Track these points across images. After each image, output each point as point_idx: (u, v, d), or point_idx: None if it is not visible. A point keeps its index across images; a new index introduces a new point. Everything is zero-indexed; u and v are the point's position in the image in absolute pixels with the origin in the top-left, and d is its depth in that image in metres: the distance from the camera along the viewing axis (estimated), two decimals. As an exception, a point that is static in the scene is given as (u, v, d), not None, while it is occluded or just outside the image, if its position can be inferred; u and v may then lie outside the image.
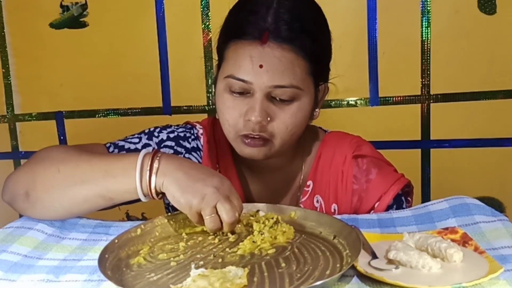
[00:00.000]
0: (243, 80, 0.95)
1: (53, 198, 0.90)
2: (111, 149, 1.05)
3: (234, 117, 0.98)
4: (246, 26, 0.95)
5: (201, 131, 1.13)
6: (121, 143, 1.07)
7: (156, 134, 1.10)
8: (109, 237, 0.85)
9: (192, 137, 1.12)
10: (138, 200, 0.89)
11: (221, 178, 0.85)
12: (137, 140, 1.08)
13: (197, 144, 1.11)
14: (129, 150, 1.05)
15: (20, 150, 2.01)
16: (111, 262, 0.76)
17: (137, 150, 1.05)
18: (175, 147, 1.09)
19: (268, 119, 0.96)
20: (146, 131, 1.11)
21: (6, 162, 2.02)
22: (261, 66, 0.94)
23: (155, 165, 0.85)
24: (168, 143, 1.09)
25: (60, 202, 0.90)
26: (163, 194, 0.86)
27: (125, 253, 0.80)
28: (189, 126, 1.14)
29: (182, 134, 1.11)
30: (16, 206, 0.94)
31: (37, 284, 0.73)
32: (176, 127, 1.13)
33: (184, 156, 1.10)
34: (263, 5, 0.96)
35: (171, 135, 1.10)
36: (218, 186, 0.83)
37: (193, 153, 1.10)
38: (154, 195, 0.86)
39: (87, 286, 0.72)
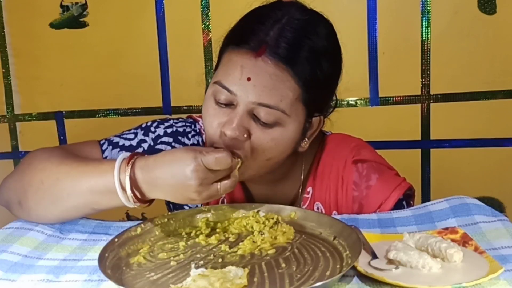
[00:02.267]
0: (228, 90, 0.90)
1: (43, 209, 0.90)
2: (105, 147, 1.02)
3: (213, 126, 0.92)
4: (246, 34, 0.92)
5: (203, 126, 1.08)
6: (116, 139, 1.04)
7: (152, 129, 1.05)
8: (109, 237, 0.85)
9: (193, 132, 1.07)
10: None
11: (185, 152, 0.83)
12: (132, 136, 1.05)
13: (198, 141, 1.07)
14: (123, 147, 1.03)
15: (20, 150, 2.01)
16: (111, 261, 0.76)
17: (131, 147, 1.03)
18: (173, 144, 1.05)
19: (245, 135, 0.90)
20: (143, 125, 1.07)
21: (6, 162, 2.02)
22: (249, 79, 0.89)
23: (133, 176, 0.83)
24: (165, 139, 1.05)
25: (51, 212, 0.90)
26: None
27: (125, 252, 0.80)
28: (190, 120, 1.10)
29: (181, 130, 1.07)
30: (13, 213, 0.94)
31: (37, 284, 0.73)
32: (175, 121, 1.08)
33: None
34: (270, 18, 0.92)
35: (169, 130, 1.06)
36: (190, 163, 0.81)
37: None
38: (140, 203, 0.85)
39: (87, 286, 0.72)
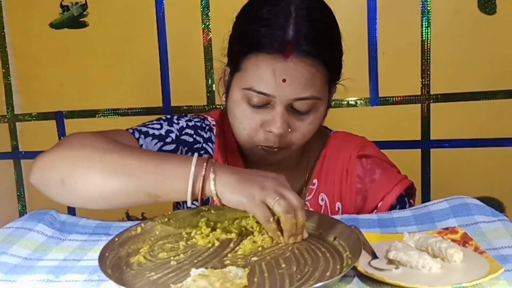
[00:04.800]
0: (264, 94, 0.95)
1: (93, 189, 0.85)
2: (136, 135, 1.02)
3: (253, 127, 0.98)
4: (267, 38, 0.94)
5: (213, 122, 1.13)
6: (144, 128, 1.04)
7: (175, 121, 1.08)
8: (109, 237, 0.85)
9: (207, 127, 1.11)
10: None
11: (277, 174, 0.84)
12: (158, 126, 1.06)
13: (210, 136, 1.11)
14: (154, 136, 1.03)
15: (20, 150, 2.01)
16: (111, 261, 0.76)
17: (161, 136, 1.04)
18: (194, 136, 1.08)
19: (289, 130, 0.98)
20: (164, 118, 1.09)
21: (6, 162, 2.02)
22: (284, 80, 0.94)
23: (211, 174, 0.82)
24: (188, 131, 1.08)
25: (100, 193, 0.85)
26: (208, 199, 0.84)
27: (125, 251, 0.80)
28: (202, 117, 1.14)
29: (199, 124, 1.11)
30: (48, 192, 0.89)
31: (37, 284, 0.73)
32: (191, 116, 1.12)
33: (202, 145, 1.09)
34: (280, 15, 0.95)
35: (190, 124, 1.09)
36: (276, 176, 0.82)
37: (209, 143, 1.10)
38: (200, 200, 0.83)
39: (87, 286, 0.72)
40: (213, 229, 0.88)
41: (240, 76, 0.98)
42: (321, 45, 0.95)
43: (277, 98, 0.95)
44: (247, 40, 0.98)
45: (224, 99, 1.06)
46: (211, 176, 0.82)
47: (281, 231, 0.80)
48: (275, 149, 0.99)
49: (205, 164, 0.83)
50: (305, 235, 0.82)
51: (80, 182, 0.85)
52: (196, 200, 0.84)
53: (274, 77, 0.94)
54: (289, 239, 0.81)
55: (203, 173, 0.82)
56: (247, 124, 0.99)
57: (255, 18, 0.98)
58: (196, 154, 0.86)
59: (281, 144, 0.99)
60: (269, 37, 0.94)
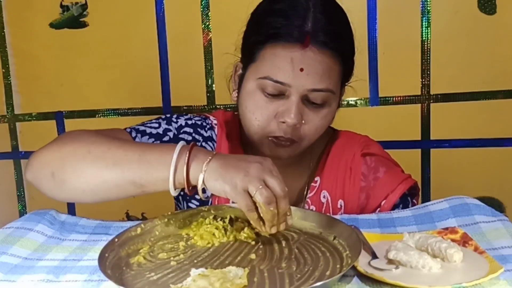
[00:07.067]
0: (281, 83, 0.95)
1: (81, 180, 0.86)
2: (133, 134, 1.03)
3: (266, 118, 0.98)
4: (286, 28, 0.95)
5: (215, 121, 1.13)
6: (142, 127, 1.06)
7: (174, 119, 1.09)
8: (109, 237, 0.84)
9: (208, 126, 1.12)
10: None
11: (263, 157, 0.82)
12: (156, 125, 1.07)
13: (211, 134, 1.11)
14: (151, 135, 1.04)
15: (20, 150, 2.01)
16: (111, 261, 0.76)
17: (158, 135, 1.05)
18: (193, 134, 1.09)
19: (303, 121, 0.97)
20: (163, 117, 1.10)
21: (6, 162, 2.02)
22: (301, 70, 0.94)
23: (193, 157, 0.81)
24: (187, 129, 1.09)
25: (88, 185, 0.86)
26: (196, 188, 0.82)
27: (125, 252, 0.80)
28: (203, 116, 1.14)
29: (199, 123, 1.11)
30: (41, 186, 0.91)
31: (37, 284, 0.73)
32: (192, 115, 1.13)
33: (201, 144, 1.09)
34: (299, 8, 0.96)
35: (189, 122, 1.10)
36: (261, 161, 0.80)
37: (208, 142, 1.10)
38: (186, 188, 0.82)
39: (87, 286, 0.72)
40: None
41: (256, 66, 0.99)
42: (338, 39, 0.97)
43: (293, 88, 0.95)
44: (265, 30, 0.98)
45: (235, 95, 1.06)
46: (195, 161, 0.81)
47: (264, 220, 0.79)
48: (286, 142, 0.98)
49: (188, 150, 0.82)
50: (289, 222, 0.81)
51: (68, 175, 0.87)
52: (183, 190, 0.83)
53: (292, 65, 0.94)
54: (271, 229, 0.79)
55: (186, 159, 0.81)
56: (260, 114, 0.98)
57: (272, 11, 0.99)
58: (181, 142, 0.84)
59: (293, 135, 0.98)
60: (288, 27, 0.95)
